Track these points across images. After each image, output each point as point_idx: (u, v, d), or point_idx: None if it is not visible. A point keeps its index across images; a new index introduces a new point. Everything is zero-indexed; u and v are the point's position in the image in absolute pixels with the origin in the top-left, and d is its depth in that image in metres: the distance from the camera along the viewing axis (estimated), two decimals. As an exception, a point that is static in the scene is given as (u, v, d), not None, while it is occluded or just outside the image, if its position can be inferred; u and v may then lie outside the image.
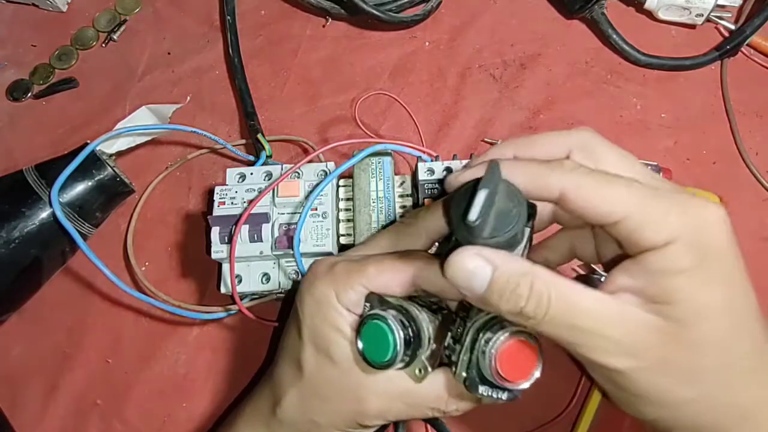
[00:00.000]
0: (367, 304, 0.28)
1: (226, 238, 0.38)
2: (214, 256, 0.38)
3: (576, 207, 0.23)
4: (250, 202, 0.38)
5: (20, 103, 0.52)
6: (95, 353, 0.43)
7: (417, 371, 0.27)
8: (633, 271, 0.22)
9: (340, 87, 0.50)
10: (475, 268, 0.22)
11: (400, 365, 0.27)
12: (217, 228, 0.38)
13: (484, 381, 0.25)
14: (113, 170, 0.43)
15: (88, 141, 0.42)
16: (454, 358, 0.27)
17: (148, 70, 0.52)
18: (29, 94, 0.52)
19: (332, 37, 0.52)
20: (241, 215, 0.38)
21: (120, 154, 0.46)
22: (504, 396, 0.25)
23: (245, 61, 0.50)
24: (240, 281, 0.39)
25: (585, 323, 0.22)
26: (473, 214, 0.21)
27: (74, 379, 0.42)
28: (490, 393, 0.25)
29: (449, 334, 0.28)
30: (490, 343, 0.24)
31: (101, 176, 0.43)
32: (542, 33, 0.51)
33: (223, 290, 0.39)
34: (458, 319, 0.27)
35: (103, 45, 0.54)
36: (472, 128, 0.47)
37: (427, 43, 0.51)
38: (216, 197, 0.39)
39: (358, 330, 0.27)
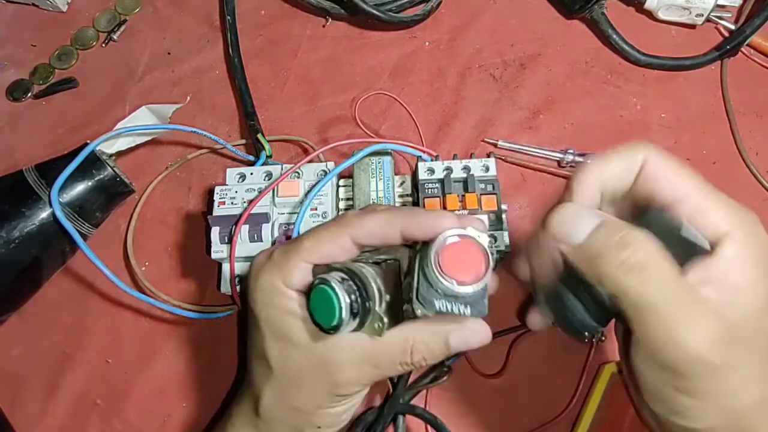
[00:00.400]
0: (315, 278, 0.28)
1: (226, 238, 0.38)
2: (214, 256, 0.38)
3: (650, 179, 0.24)
4: (250, 202, 0.38)
5: (20, 103, 0.52)
6: (95, 353, 0.43)
7: (376, 326, 0.27)
8: (702, 263, 0.23)
9: (340, 87, 0.50)
10: (580, 214, 0.23)
11: (355, 323, 0.26)
12: (217, 228, 0.38)
13: (438, 295, 0.25)
14: (113, 170, 0.43)
15: (88, 141, 0.42)
16: (410, 295, 0.26)
17: (148, 70, 0.52)
18: (29, 94, 0.52)
19: (332, 37, 0.52)
20: (241, 215, 0.38)
21: (120, 154, 0.46)
22: (465, 309, 0.25)
23: (245, 61, 0.50)
24: (240, 281, 0.39)
25: (683, 299, 0.22)
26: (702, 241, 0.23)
27: (74, 379, 0.42)
28: (447, 306, 0.25)
29: (406, 282, 0.27)
30: (434, 249, 0.25)
31: (101, 176, 0.43)
32: (542, 33, 0.51)
33: (223, 290, 0.39)
34: (415, 265, 0.27)
35: (103, 45, 0.54)
36: (472, 128, 0.47)
37: (427, 43, 0.51)
38: (216, 197, 0.39)
39: (307, 301, 0.27)
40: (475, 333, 0.28)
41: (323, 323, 0.26)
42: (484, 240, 0.25)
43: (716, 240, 0.23)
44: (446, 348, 0.28)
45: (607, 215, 0.24)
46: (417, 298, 0.26)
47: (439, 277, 0.24)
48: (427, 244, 0.26)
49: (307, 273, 0.28)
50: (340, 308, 0.25)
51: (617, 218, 0.24)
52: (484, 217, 0.37)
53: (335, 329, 0.26)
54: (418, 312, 0.26)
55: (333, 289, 0.26)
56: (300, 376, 0.29)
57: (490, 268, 0.25)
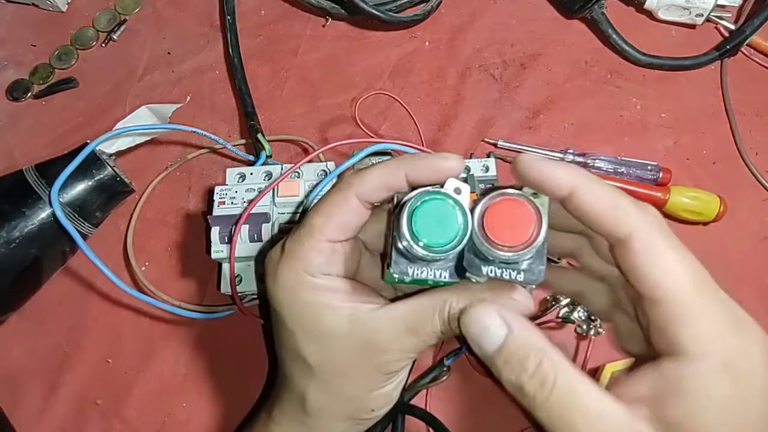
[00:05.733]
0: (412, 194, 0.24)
1: (226, 238, 0.38)
2: (214, 256, 0.38)
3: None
4: (250, 202, 0.38)
5: (20, 103, 0.52)
6: (95, 353, 0.43)
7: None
8: (654, 382, 0.20)
9: (340, 87, 0.50)
10: (492, 326, 0.22)
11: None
12: (217, 228, 0.38)
13: (484, 260, 0.23)
14: (113, 170, 0.43)
15: (88, 141, 0.42)
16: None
17: (148, 70, 0.52)
18: (29, 94, 0.52)
19: (332, 37, 0.52)
20: (241, 215, 0.38)
21: (120, 154, 0.46)
22: (517, 275, 0.23)
23: (245, 61, 0.50)
24: (240, 281, 0.39)
25: (585, 424, 0.20)
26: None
27: (74, 379, 0.42)
28: (496, 272, 0.23)
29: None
30: (478, 210, 0.23)
31: (101, 176, 0.43)
32: (542, 33, 0.51)
33: (223, 290, 0.39)
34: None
35: (103, 45, 0.54)
36: (472, 128, 0.47)
37: (427, 43, 0.51)
38: (216, 197, 0.39)
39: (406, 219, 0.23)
40: (513, 305, 0.24)
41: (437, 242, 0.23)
42: (545, 201, 0.23)
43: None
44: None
45: (520, 322, 0.22)
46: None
47: (482, 241, 0.22)
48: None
49: (328, 252, 0.27)
50: (464, 217, 0.23)
51: (528, 326, 0.22)
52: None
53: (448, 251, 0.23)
54: (472, 279, 0.24)
55: (457, 205, 0.23)
56: (344, 365, 0.27)
57: (543, 229, 0.22)
